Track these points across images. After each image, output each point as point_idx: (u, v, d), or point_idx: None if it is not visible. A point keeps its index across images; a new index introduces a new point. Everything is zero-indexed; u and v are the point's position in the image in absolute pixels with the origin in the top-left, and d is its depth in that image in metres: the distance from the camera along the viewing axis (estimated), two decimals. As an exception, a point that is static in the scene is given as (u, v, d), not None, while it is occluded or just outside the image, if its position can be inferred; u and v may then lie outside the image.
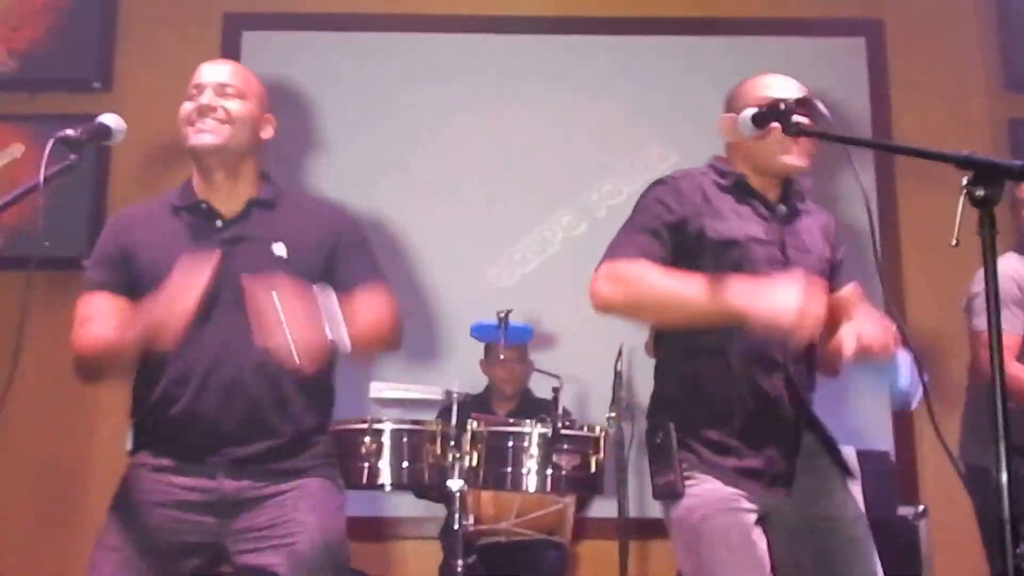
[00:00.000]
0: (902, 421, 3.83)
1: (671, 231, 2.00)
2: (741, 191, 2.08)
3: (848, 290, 2.11)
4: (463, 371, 3.60)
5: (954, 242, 1.47)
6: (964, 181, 1.49)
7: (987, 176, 1.49)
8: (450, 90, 4.12)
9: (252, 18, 4.12)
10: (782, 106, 1.92)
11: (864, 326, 1.92)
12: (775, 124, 1.92)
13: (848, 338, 1.92)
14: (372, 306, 1.98)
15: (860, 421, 3.72)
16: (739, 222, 2.03)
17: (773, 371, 1.99)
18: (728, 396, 1.99)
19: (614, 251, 2.00)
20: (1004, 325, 2.75)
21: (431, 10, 4.18)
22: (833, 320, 1.95)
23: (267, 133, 2.08)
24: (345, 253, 2.06)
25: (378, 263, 2.12)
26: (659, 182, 2.09)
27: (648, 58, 4.16)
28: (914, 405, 1.98)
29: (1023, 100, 4.16)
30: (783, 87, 2.06)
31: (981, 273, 2.83)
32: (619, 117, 4.12)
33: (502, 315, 3.17)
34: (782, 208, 2.10)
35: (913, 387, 1.95)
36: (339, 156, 4.06)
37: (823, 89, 4.09)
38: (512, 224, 4.08)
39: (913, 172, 3.98)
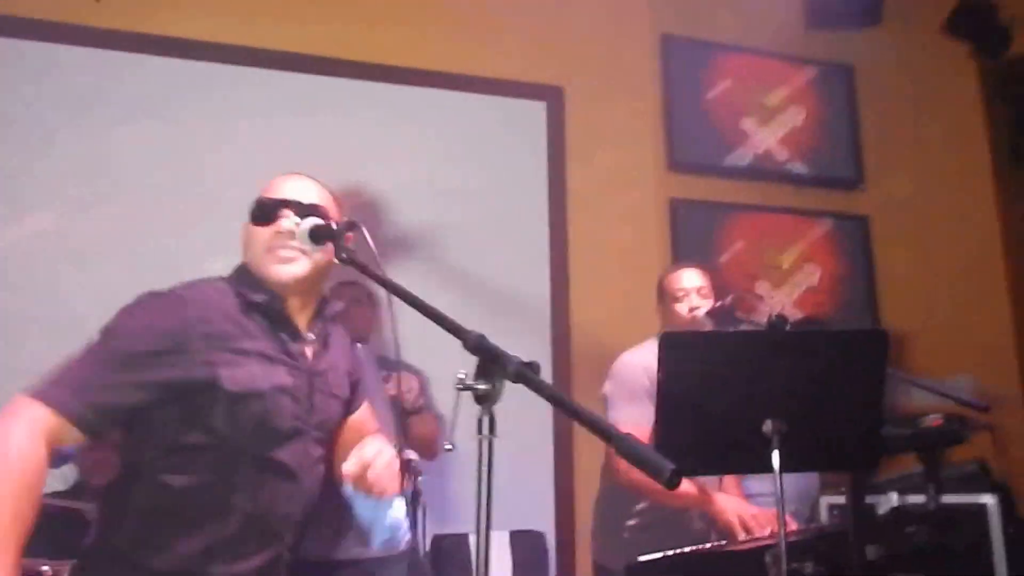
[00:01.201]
0: (563, 501, 3.70)
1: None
2: (274, 316, 1.71)
3: (361, 414, 1.91)
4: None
5: (448, 446, 1.39)
6: (460, 375, 1.29)
7: (489, 369, 1.28)
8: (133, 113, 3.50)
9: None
10: (334, 226, 1.68)
11: (375, 458, 1.62)
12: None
13: (351, 464, 1.62)
14: None
15: (519, 502, 3.50)
16: (262, 366, 1.64)
17: None
18: None
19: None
20: (635, 420, 2.67)
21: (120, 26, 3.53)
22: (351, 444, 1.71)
23: None
24: None
25: None
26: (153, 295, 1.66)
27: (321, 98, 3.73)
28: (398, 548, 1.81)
29: (681, 181, 4.34)
30: None
31: (614, 369, 2.77)
32: (303, 162, 3.63)
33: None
34: (311, 336, 1.75)
35: (393, 533, 1.76)
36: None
37: (506, 147, 4.03)
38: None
39: (586, 274, 3.99)
